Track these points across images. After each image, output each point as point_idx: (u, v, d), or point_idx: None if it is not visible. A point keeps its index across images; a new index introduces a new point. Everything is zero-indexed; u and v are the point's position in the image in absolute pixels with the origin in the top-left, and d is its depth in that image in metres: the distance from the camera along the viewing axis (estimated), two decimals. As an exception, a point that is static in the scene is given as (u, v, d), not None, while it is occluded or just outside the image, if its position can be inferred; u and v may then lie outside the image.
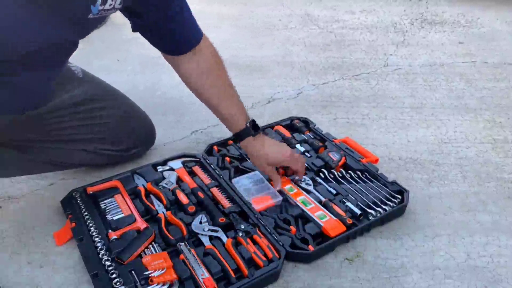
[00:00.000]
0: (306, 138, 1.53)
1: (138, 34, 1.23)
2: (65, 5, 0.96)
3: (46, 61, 1.08)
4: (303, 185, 1.32)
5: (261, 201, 1.26)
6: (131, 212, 1.22)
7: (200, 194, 1.28)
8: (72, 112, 1.28)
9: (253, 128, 1.26)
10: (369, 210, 1.22)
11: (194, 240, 1.16)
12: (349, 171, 1.38)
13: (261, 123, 1.62)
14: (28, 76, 1.06)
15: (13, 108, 1.11)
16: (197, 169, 1.39)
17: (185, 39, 1.22)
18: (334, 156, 1.41)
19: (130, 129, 1.42)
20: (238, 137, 1.28)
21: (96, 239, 1.14)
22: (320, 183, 1.34)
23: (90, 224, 1.18)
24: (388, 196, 1.27)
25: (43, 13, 0.94)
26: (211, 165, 1.39)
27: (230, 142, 1.51)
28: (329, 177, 1.36)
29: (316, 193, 1.30)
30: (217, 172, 1.37)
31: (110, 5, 1.02)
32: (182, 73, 1.27)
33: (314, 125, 1.60)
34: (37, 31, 0.96)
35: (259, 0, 2.93)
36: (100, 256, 1.09)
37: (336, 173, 1.37)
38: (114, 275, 1.04)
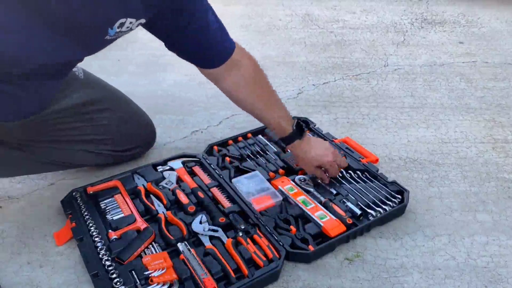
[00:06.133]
0: (306, 138, 1.53)
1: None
2: (83, 29, 0.97)
3: (52, 74, 1.10)
4: (303, 185, 1.32)
5: (261, 201, 1.26)
6: (131, 212, 1.22)
7: (200, 194, 1.28)
8: (73, 114, 1.28)
9: (299, 131, 1.28)
10: (369, 210, 1.22)
11: (194, 240, 1.16)
12: (349, 171, 1.37)
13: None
14: (30, 86, 1.07)
15: (11, 115, 1.12)
16: (197, 169, 1.39)
17: (215, 52, 1.20)
18: (334, 156, 1.41)
19: (130, 129, 1.42)
20: (285, 141, 1.30)
21: (96, 239, 1.14)
22: (320, 183, 1.34)
23: (90, 224, 1.18)
24: (388, 196, 1.27)
25: (61, 35, 0.96)
26: (211, 165, 1.39)
27: (230, 142, 1.51)
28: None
29: (316, 193, 1.30)
30: (217, 172, 1.36)
31: (127, 27, 1.02)
32: (222, 87, 1.27)
33: (315, 125, 1.60)
34: (51, 51, 0.99)
35: (260, 1, 2.93)
36: (100, 256, 1.09)
37: (336, 173, 1.37)
38: (114, 275, 1.04)
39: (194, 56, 1.22)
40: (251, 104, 1.27)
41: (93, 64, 1.99)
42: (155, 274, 1.03)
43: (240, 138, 1.53)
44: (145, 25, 1.11)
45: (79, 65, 1.35)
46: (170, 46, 1.19)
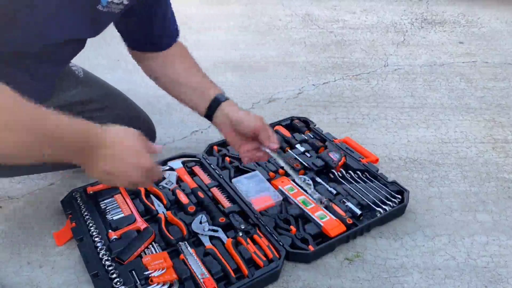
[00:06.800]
0: (306, 138, 1.53)
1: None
2: None
3: (54, 59, 1.09)
4: (303, 185, 1.32)
5: (261, 201, 1.26)
6: (131, 212, 1.22)
7: (200, 194, 1.28)
8: (72, 113, 1.28)
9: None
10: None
11: (194, 240, 1.16)
12: (349, 171, 1.37)
13: (261, 123, 1.63)
14: (32, 72, 1.06)
15: None
16: (197, 169, 1.39)
17: (169, 40, 1.25)
18: (334, 156, 1.41)
19: (128, 126, 1.41)
20: (210, 109, 1.19)
21: (96, 239, 1.14)
22: (320, 183, 1.34)
23: (90, 224, 1.18)
24: (388, 196, 1.27)
25: (61, 6, 0.95)
26: (211, 165, 1.39)
27: (230, 142, 1.51)
28: (329, 177, 1.36)
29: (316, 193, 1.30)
30: (217, 172, 1.36)
31: (119, 0, 1.02)
32: (149, 69, 1.31)
33: (314, 125, 1.60)
34: (56, 25, 0.97)
35: (259, 1, 2.93)
36: (100, 256, 1.09)
37: (336, 173, 1.37)
38: (114, 275, 1.04)
39: (150, 42, 1.25)
40: (176, 85, 1.27)
41: (93, 64, 2.00)
42: (155, 274, 1.03)
43: (240, 138, 1.53)
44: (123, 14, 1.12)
45: (80, 64, 1.35)
46: (132, 37, 1.24)
